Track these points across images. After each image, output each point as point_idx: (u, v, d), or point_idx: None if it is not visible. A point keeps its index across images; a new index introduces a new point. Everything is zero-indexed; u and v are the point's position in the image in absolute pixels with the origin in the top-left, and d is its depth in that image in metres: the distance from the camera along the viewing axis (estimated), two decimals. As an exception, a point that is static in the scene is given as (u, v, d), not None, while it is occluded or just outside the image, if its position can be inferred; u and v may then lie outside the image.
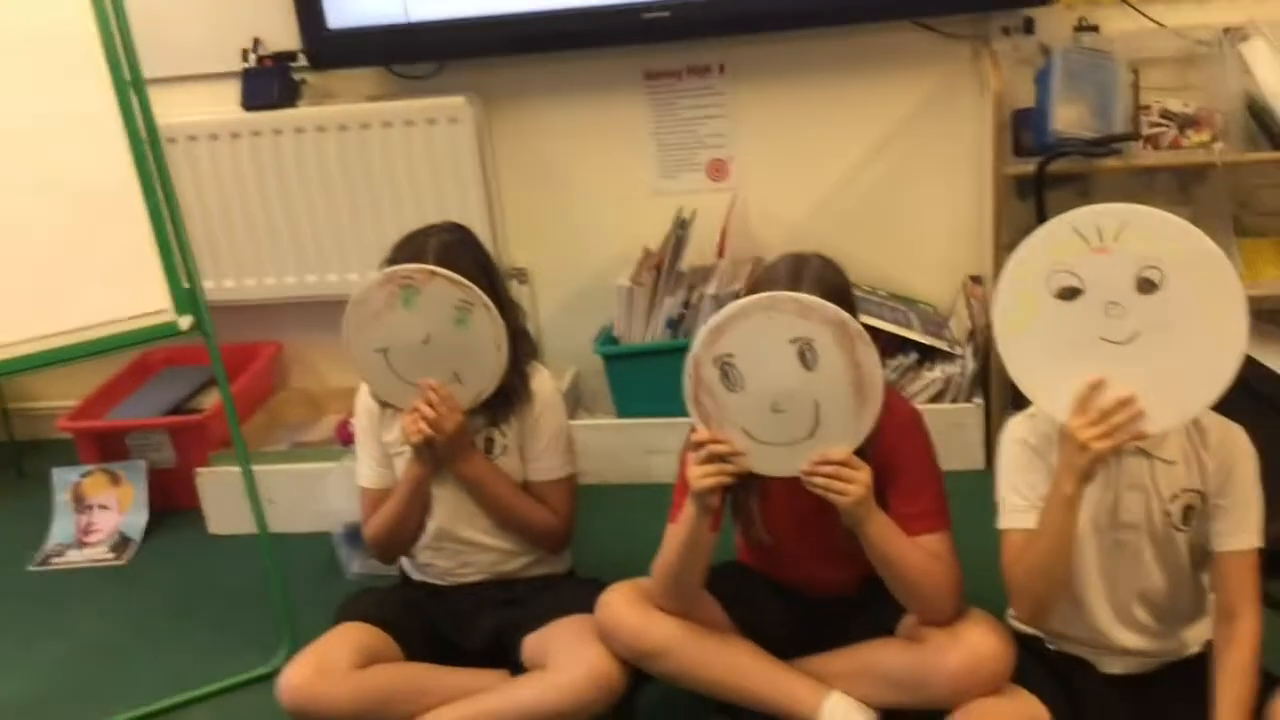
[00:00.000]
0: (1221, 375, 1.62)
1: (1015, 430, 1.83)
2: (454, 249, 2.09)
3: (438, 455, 2.10)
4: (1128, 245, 1.61)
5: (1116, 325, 1.63)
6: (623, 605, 1.95)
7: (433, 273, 2.00)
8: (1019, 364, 1.70)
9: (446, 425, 2.05)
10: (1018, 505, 1.79)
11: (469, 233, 2.19)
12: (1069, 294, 1.65)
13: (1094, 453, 1.63)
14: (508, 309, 2.11)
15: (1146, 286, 1.61)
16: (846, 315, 1.73)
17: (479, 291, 2.01)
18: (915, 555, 1.82)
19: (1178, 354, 1.62)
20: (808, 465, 1.77)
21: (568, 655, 1.98)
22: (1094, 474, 1.66)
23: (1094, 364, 1.65)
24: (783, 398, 1.76)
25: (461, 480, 2.13)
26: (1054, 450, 1.78)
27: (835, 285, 1.82)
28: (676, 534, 1.88)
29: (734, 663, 1.93)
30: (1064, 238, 1.63)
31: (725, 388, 1.77)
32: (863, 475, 1.76)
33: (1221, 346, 1.61)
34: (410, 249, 2.09)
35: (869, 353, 1.74)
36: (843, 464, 1.76)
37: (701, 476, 1.78)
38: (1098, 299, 1.63)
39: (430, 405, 2.04)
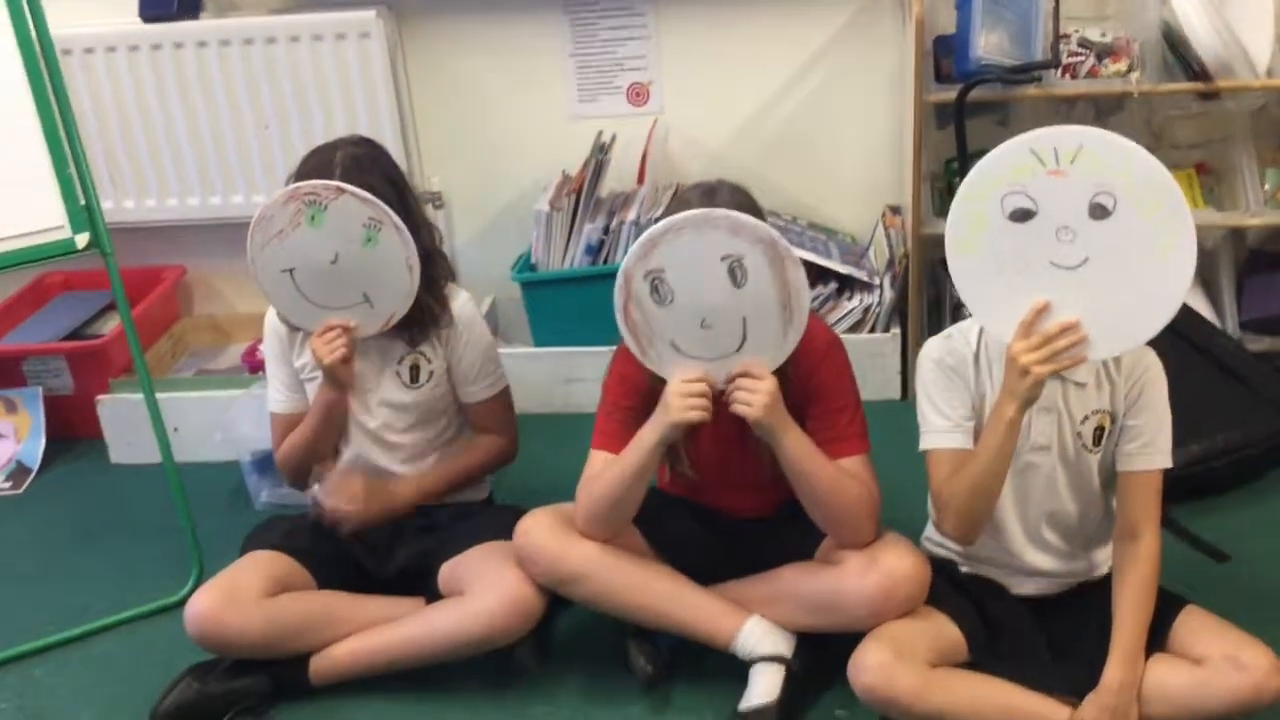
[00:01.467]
0: (1167, 305, 1.63)
1: (931, 351, 1.84)
2: (363, 163, 2.02)
3: (350, 380, 2.05)
4: (1083, 169, 1.60)
5: (1067, 250, 1.63)
6: (542, 531, 1.94)
7: (340, 189, 1.93)
8: (967, 282, 1.69)
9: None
10: (940, 425, 1.80)
11: (379, 147, 2.12)
12: (1021, 215, 1.63)
13: (1034, 376, 1.64)
14: (421, 229, 2.05)
15: (1099, 212, 1.61)
16: (777, 234, 1.72)
17: (387, 209, 1.95)
18: (831, 472, 1.83)
19: (1125, 282, 1.62)
20: (726, 378, 1.78)
21: (483, 581, 1.97)
22: (1035, 397, 1.67)
23: (1042, 287, 1.65)
24: (711, 313, 1.76)
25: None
26: (969, 369, 1.80)
27: (746, 211, 1.79)
28: (626, 461, 1.86)
29: (652, 587, 1.93)
30: (1020, 158, 1.62)
31: (655, 302, 1.77)
32: (766, 384, 1.77)
33: (1169, 277, 1.62)
34: (317, 163, 2.01)
35: (797, 272, 1.75)
36: (745, 374, 1.77)
37: (688, 409, 1.78)
38: (1050, 222, 1.63)
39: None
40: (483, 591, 1.96)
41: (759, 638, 1.89)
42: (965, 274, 1.69)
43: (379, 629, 2.01)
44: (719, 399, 1.80)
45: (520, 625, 1.95)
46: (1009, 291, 1.66)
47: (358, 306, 2.01)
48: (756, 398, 1.76)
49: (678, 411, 1.79)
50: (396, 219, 1.96)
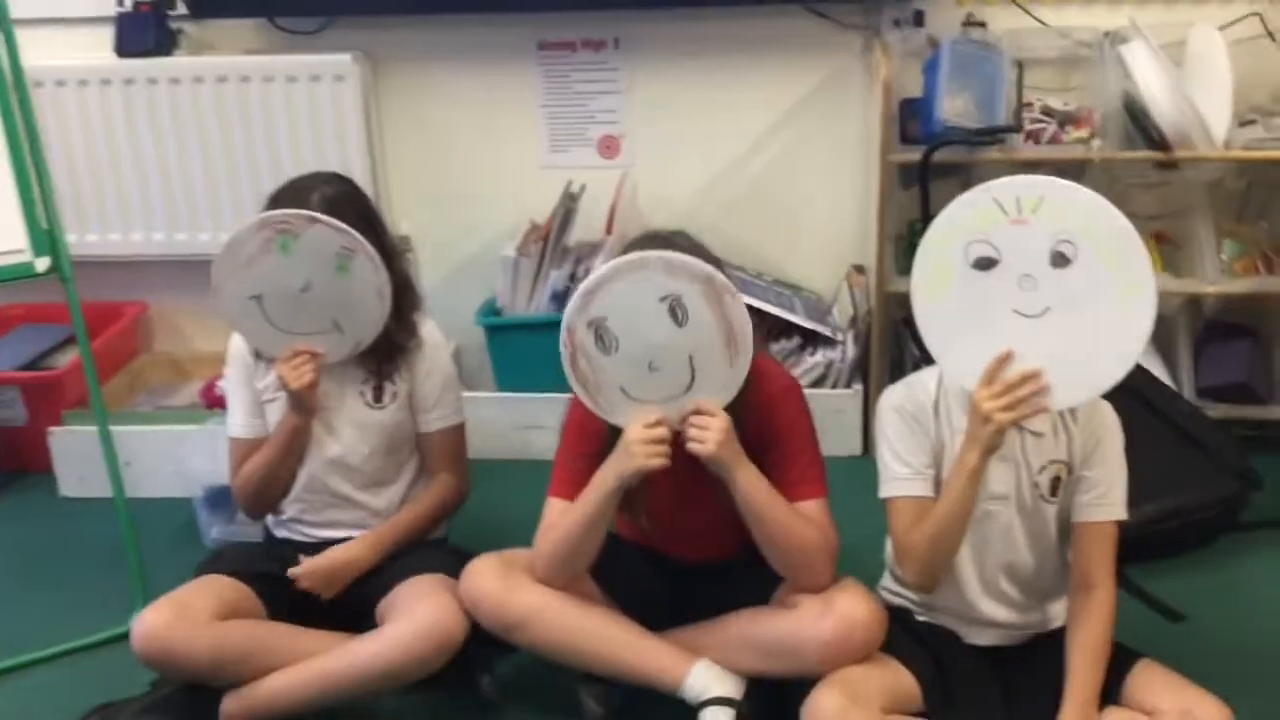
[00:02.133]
0: (1128, 354, 1.65)
1: (891, 398, 1.85)
2: (337, 201, 2.03)
3: (314, 405, 2.05)
4: (1044, 218, 1.62)
5: (1029, 298, 1.65)
6: (487, 575, 1.92)
7: (313, 218, 1.94)
8: (931, 329, 1.71)
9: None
10: (901, 473, 1.81)
11: (353, 184, 2.13)
12: (985, 264, 1.66)
13: (996, 424, 1.65)
14: (393, 258, 2.06)
15: (1060, 260, 1.63)
16: (712, 269, 1.74)
17: (361, 239, 1.96)
18: (785, 512, 1.82)
19: (1087, 331, 1.64)
20: (679, 419, 1.78)
21: (402, 611, 1.94)
22: (998, 445, 1.68)
23: (1005, 335, 1.67)
24: (657, 355, 1.77)
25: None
26: (928, 418, 1.81)
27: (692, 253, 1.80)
28: (584, 507, 1.85)
29: (598, 633, 1.91)
30: (983, 207, 1.65)
31: (600, 350, 1.77)
32: (718, 421, 1.77)
33: (1129, 326, 1.64)
34: (292, 197, 2.01)
35: (737, 305, 1.76)
36: (697, 412, 1.77)
37: (650, 455, 1.77)
38: (1012, 271, 1.65)
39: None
40: (399, 620, 1.93)
41: (708, 681, 1.87)
42: (929, 321, 1.71)
43: (303, 663, 1.95)
44: (675, 440, 1.79)
45: (435, 654, 1.91)
46: (972, 339, 1.68)
47: (327, 333, 2.01)
48: (709, 434, 1.76)
49: (641, 458, 1.77)
50: (370, 248, 1.96)
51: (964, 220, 1.66)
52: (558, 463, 1.97)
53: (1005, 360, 1.66)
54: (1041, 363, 1.65)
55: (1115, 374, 1.66)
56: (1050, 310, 1.65)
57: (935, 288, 1.69)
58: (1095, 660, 1.75)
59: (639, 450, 1.78)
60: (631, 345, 1.76)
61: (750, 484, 1.80)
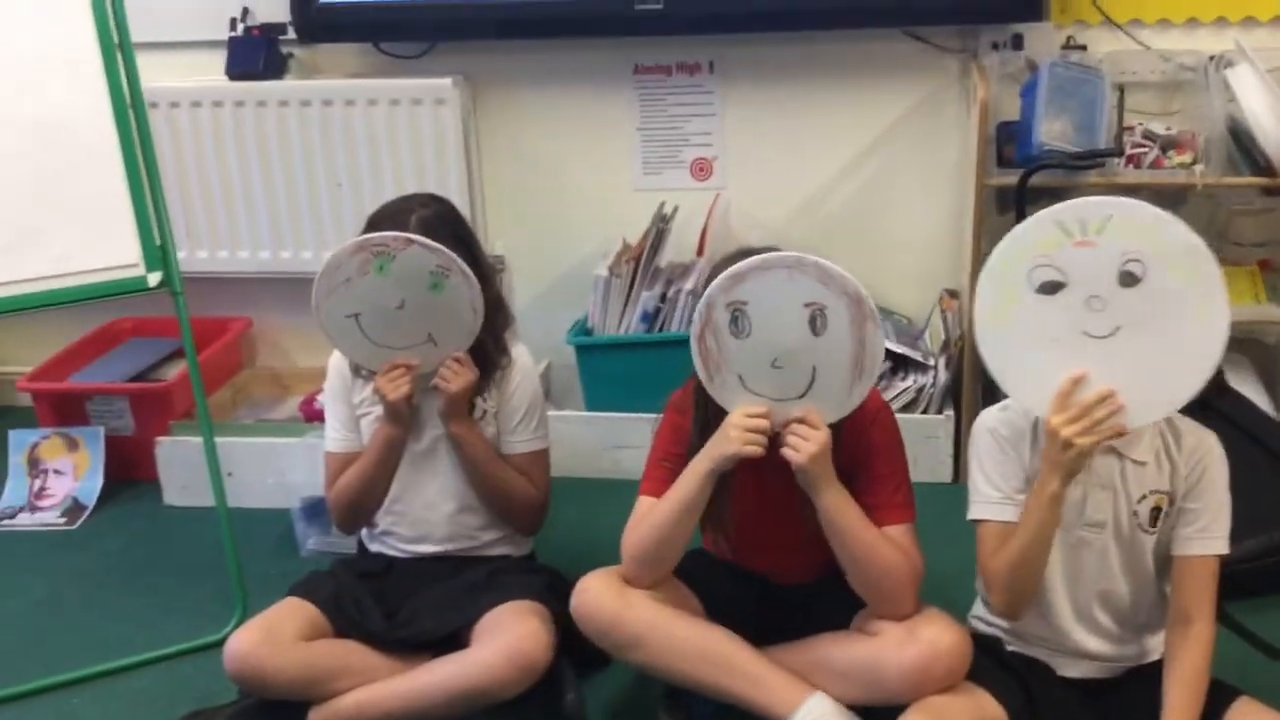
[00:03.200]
0: (1202, 369, 1.62)
1: (987, 420, 1.83)
2: (433, 222, 2.07)
3: (409, 418, 2.09)
4: (1110, 238, 1.60)
5: (1098, 319, 1.63)
6: (601, 590, 1.91)
7: (409, 239, 1.98)
8: (997, 358, 1.70)
9: (456, 384, 2.05)
10: (991, 496, 1.78)
11: (449, 204, 2.18)
12: (1050, 288, 1.64)
13: (1077, 449, 1.63)
14: (487, 276, 2.10)
15: (1129, 280, 1.61)
16: (865, 292, 1.74)
17: (455, 257, 2.00)
18: (870, 535, 1.81)
19: (1158, 348, 1.61)
20: (783, 422, 1.79)
21: (490, 635, 1.96)
22: (1078, 470, 1.66)
23: (1074, 358, 1.64)
24: (784, 355, 1.77)
25: (451, 438, 2.12)
26: (1024, 443, 1.78)
27: None
28: (675, 494, 1.85)
29: (711, 652, 1.88)
30: (1046, 231, 1.63)
31: (732, 333, 1.78)
32: (820, 435, 1.77)
33: (1202, 340, 1.61)
34: (392, 218, 2.07)
35: (876, 333, 1.76)
36: (801, 421, 1.77)
37: (746, 441, 1.78)
38: (1079, 293, 1.63)
39: (448, 365, 2.05)
40: (486, 644, 1.95)
41: (822, 714, 1.83)
42: (996, 350, 1.69)
43: (385, 681, 1.98)
44: (771, 444, 1.79)
45: (520, 679, 1.92)
46: (1040, 365, 1.66)
47: (422, 345, 2.06)
48: (808, 445, 1.76)
49: (736, 443, 1.78)
50: (464, 265, 2.00)
51: (1027, 245, 1.64)
52: (649, 463, 1.98)
53: (1079, 382, 1.64)
54: (1114, 383, 1.63)
55: (1191, 388, 1.63)
56: (1120, 329, 1.62)
57: (998, 315, 1.67)
58: (1193, 694, 1.71)
59: (737, 435, 1.78)
60: (763, 338, 1.77)
61: (835, 503, 1.80)
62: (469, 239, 2.14)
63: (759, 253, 1.85)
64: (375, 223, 2.09)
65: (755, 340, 1.77)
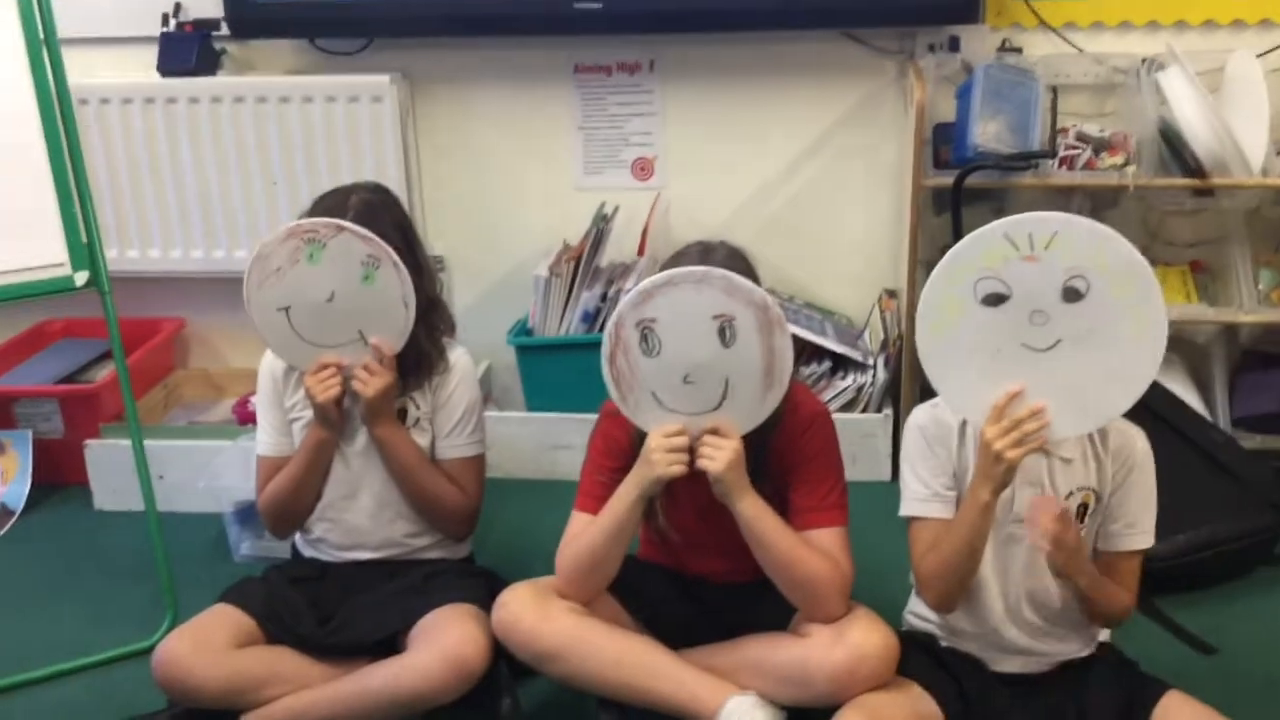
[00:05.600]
0: (1136, 385, 1.65)
1: (917, 417, 1.85)
2: (374, 208, 2.04)
3: (340, 420, 2.05)
4: (1056, 254, 1.61)
5: (1039, 332, 1.64)
6: (520, 602, 1.90)
7: (339, 226, 1.95)
8: (937, 366, 1.71)
9: (372, 386, 2.01)
10: (919, 493, 1.80)
11: (391, 194, 2.14)
12: (994, 300, 1.65)
13: (1007, 462, 1.65)
14: (424, 275, 2.07)
15: (1072, 295, 1.62)
16: (771, 300, 1.74)
17: (386, 246, 1.97)
18: (789, 541, 1.82)
19: (1096, 362, 1.63)
20: (699, 434, 1.80)
21: (426, 639, 1.93)
22: (1009, 482, 1.68)
23: (1013, 369, 1.66)
24: (695, 370, 1.78)
25: (374, 441, 2.08)
26: (952, 438, 1.81)
27: (742, 274, 1.81)
28: (607, 517, 1.85)
29: (630, 662, 1.88)
30: (994, 243, 1.63)
31: (642, 351, 1.78)
32: (731, 444, 1.78)
33: (1139, 357, 1.64)
34: (330, 205, 2.03)
35: (784, 340, 1.76)
36: (713, 432, 1.78)
37: (670, 463, 1.79)
38: (1023, 306, 1.64)
39: (365, 367, 2.01)
40: (422, 648, 1.92)
41: (744, 712, 1.82)
42: (936, 357, 1.71)
43: (319, 687, 1.95)
44: (694, 455, 1.80)
45: (457, 684, 1.89)
46: (979, 375, 1.68)
47: (353, 344, 2.02)
48: (720, 454, 1.77)
49: (659, 465, 1.79)
50: (394, 256, 1.97)
51: (974, 256, 1.64)
52: (583, 477, 1.97)
53: (1014, 397, 1.66)
54: (1051, 394, 1.65)
55: (1123, 403, 1.66)
56: (1061, 343, 1.64)
57: (941, 322, 1.68)
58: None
59: (659, 458, 1.79)
60: (673, 354, 1.77)
61: (753, 512, 1.81)
62: (409, 231, 2.10)
63: (710, 248, 1.87)
64: (316, 206, 2.05)
65: (666, 357, 1.78)
